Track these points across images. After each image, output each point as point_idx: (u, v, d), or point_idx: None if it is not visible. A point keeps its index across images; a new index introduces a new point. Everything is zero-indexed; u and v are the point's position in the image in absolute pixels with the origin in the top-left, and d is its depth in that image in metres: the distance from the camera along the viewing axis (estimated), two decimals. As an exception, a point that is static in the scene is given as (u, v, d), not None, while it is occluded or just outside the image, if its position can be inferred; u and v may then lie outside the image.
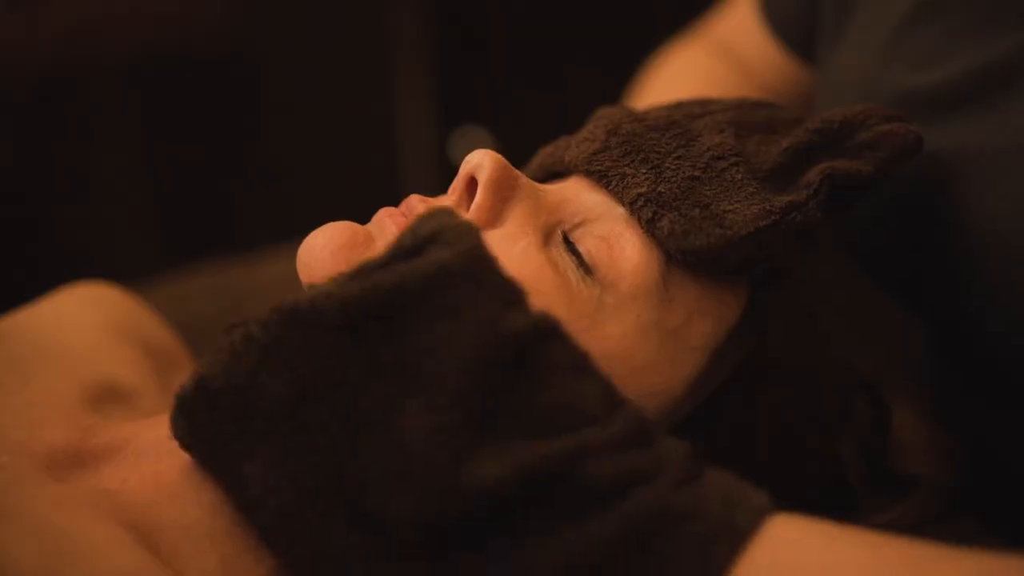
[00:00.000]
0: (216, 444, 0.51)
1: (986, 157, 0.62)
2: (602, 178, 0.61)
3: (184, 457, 0.53)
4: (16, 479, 0.53)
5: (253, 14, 1.67)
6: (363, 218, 0.62)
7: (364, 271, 0.51)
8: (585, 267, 0.57)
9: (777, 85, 0.88)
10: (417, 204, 0.58)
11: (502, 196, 0.58)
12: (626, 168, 0.60)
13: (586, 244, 0.58)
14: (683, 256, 0.57)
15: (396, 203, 0.59)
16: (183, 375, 0.69)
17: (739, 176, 0.59)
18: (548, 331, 0.52)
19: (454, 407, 0.48)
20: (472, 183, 0.59)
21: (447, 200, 0.60)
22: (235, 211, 1.72)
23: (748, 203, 0.58)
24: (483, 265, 0.52)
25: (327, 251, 0.56)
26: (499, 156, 0.58)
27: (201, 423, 0.51)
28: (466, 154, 0.60)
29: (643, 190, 0.59)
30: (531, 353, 0.50)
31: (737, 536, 0.47)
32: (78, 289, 0.69)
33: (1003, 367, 0.65)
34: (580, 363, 0.52)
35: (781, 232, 0.58)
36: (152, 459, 0.55)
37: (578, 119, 0.70)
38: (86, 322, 0.65)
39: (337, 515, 0.48)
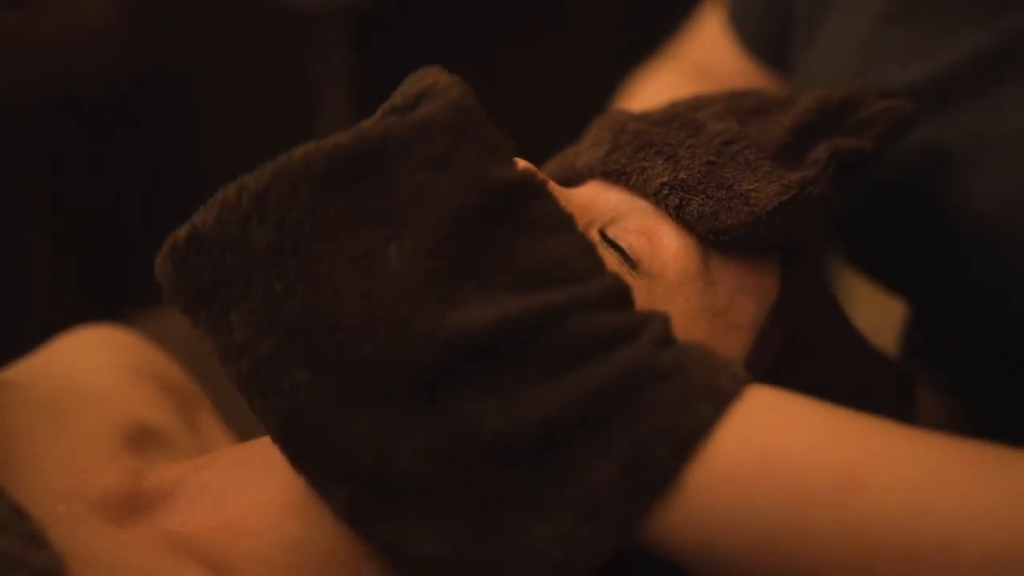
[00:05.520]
0: (204, 290, 0.52)
1: (985, 146, 0.64)
2: (621, 176, 0.61)
3: (254, 496, 0.53)
4: (80, 525, 0.50)
5: (167, 51, 1.64)
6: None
7: (356, 128, 0.52)
8: (630, 261, 0.58)
9: None
10: None
11: None
12: (643, 162, 0.61)
13: (627, 239, 0.58)
14: (715, 237, 0.58)
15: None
16: (202, 412, 0.67)
17: (752, 157, 0.61)
18: (535, 187, 0.53)
19: (438, 253, 0.49)
20: None
21: None
22: (150, 252, 1.67)
23: (767, 181, 0.59)
24: (470, 117, 0.53)
25: None
26: (529, 164, 0.59)
27: (191, 269, 0.52)
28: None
29: (665, 179, 0.60)
30: (517, 207, 0.52)
31: (721, 397, 0.48)
32: (84, 331, 0.66)
33: (994, 346, 0.67)
34: (566, 222, 0.53)
35: (800, 207, 0.59)
36: (211, 499, 0.54)
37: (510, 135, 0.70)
38: (103, 364, 0.63)
39: (309, 361, 0.49)
